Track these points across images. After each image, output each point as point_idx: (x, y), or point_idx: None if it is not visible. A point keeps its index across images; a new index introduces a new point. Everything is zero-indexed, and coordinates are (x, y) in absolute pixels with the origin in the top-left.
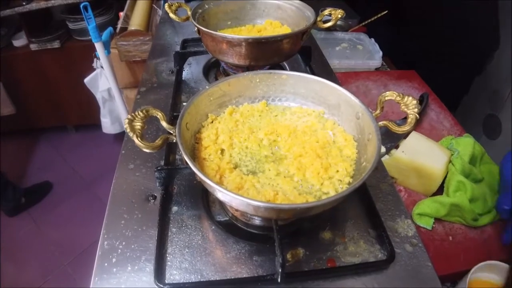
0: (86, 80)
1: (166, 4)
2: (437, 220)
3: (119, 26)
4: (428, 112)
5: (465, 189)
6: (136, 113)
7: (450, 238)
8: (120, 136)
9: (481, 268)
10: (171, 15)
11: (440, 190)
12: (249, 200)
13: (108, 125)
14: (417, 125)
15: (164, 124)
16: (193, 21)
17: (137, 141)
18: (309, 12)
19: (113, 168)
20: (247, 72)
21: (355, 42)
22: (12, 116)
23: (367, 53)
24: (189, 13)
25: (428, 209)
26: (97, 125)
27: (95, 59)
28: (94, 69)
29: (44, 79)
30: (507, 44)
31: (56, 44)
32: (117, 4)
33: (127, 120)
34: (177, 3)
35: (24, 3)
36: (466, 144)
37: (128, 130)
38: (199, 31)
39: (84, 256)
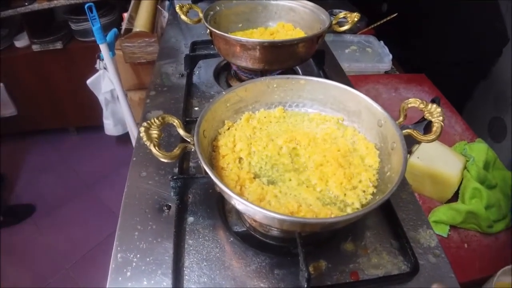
0: (88, 81)
1: (177, 5)
2: (452, 227)
3: (123, 27)
4: None
5: (481, 196)
6: (152, 121)
7: (466, 245)
8: (122, 138)
9: (506, 272)
10: (183, 17)
11: (454, 197)
12: (274, 214)
13: (110, 127)
14: (429, 130)
15: (181, 131)
16: (205, 23)
17: (154, 150)
18: (323, 15)
19: (115, 170)
20: (263, 77)
21: (364, 44)
22: (13, 118)
23: (376, 56)
24: (201, 15)
25: (444, 216)
26: (99, 127)
27: (97, 60)
28: (96, 71)
29: (46, 80)
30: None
31: (58, 45)
32: (120, 5)
33: (143, 129)
34: (188, 4)
35: (26, 3)
36: (480, 150)
37: (144, 139)
38: (211, 33)
39: (86, 259)
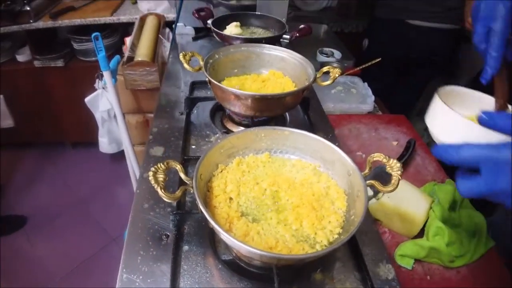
0: (86, 99)
1: (181, 54)
2: (417, 260)
3: (126, 54)
4: (414, 157)
5: (443, 234)
6: (159, 166)
7: (428, 277)
8: (116, 156)
9: None
10: (186, 65)
11: (421, 233)
12: (255, 250)
13: (105, 145)
14: (404, 170)
15: (182, 175)
16: (205, 72)
17: (161, 192)
18: (310, 69)
19: (107, 187)
20: (253, 128)
21: (350, 85)
22: (10, 129)
23: (360, 97)
24: (201, 63)
25: (409, 251)
26: (94, 143)
27: (97, 80)
28: (95, 89)
29: (45, 95)
30: None
31: (59, 63)
32: (121, 28)
33: (151, 173)
34: (191, 52)
35: (31, 21)
36: (447, 192)
37: (153, 182)
38: (209, 81)
39: (75, 274)
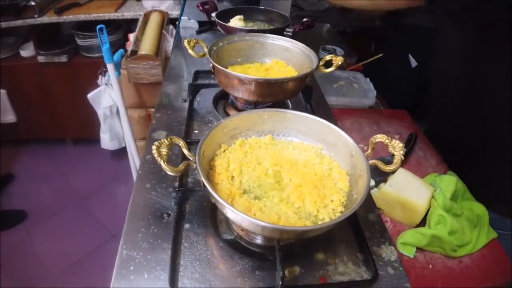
0: (89, 95)
1: (185, 40)
2: (419, 249)
3: (129, 48)
4: (416, 150)
5: (445, 223)
6: (162, 141)
7: (430, 266)
8: (117, 153)
9: None
10: (190, 51)
11: (423, 223)
12: (258, 221)
13: (107, 141)
14: (405, 162)
15: (185, 151)
16: (209, 58)
17: (163, 165)
18: (312, 56)
19: (108, 183)
20: (256, 109)
21: (352, 80)
22: (12, 125)
23: (362, 92)
24: (205, 50)
25: (411, 239)
26: (96, 140)
27: (100, 76)
28: (98, 86)
29: (48, 91)
30: None
31: (63, 59)
32: (125, 25)
33: (155, 147)
34: (195, 40)
35: (36, 16)
36: (449, 182)
37: (156, 155)
38: (213, 67)
39: (73, 269)
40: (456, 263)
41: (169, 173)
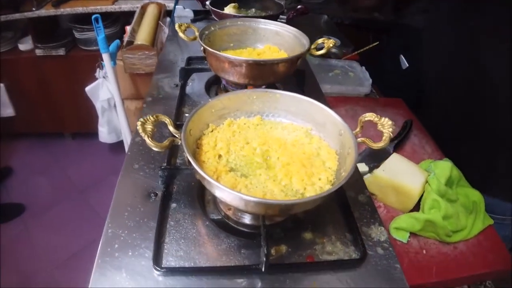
0: (87, 88)
1: (177, 24)
2: (413, 234)
3: (126, 39)
4: (411, 137)
5: (439, 207)
6: (148, 117)
7: (424, 251)
8: (116, 146)
9: None
10: (181, 34)
11: (416, 208)
12: (241, 195)
13: (105, 135)
14: (400, 148)
15: (171, 128)
16: (200, 41)
17: (148, 140)
18: (304, 40)
19: (106, 177)
20: (245, 90)
21: (347, 69)
22: (11, 118)
23: (357, 80)
24: (197, 33)
25: (404, 223)
26: (94, 134)
27: (98, 69)
28: (96, 79)
29: (46, 85)
30: None
31: (61, 52)
32: (123, 18)
33: (140, 123)
34: (186, 24)
35: (33, 9)
36: (444, 167)
37: (140, 131)
38: (204, 50)
39: (71, 262)
40: (451, 249)
41: (154, 148)
